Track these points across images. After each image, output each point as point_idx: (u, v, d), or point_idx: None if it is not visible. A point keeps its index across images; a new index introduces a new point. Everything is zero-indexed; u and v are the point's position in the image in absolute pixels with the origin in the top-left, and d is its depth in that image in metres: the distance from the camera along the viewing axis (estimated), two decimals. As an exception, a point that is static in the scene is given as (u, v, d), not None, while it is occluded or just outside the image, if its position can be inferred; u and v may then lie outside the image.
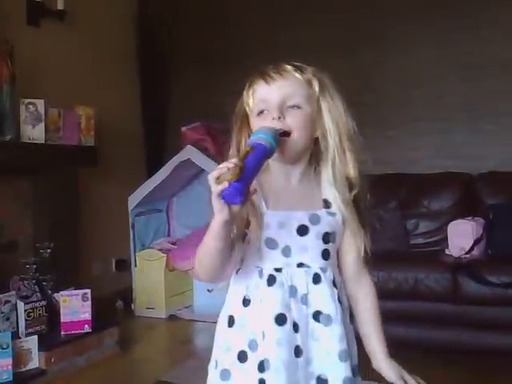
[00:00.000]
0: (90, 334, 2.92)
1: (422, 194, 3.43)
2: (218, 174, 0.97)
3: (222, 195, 0.97)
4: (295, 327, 1.14)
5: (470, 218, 3.08)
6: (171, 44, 4.44)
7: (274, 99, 1.13)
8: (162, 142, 4.47)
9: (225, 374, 1.18)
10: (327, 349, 1.14)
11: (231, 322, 1.19)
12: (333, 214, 1.17)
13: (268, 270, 1.15)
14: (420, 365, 2.92)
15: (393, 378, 1.25)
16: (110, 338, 3.04)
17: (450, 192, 3.38)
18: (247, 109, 1.20)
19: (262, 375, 1.12)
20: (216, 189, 0.96)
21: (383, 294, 3.03)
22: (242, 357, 1.16)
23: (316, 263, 1.16)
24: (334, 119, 1.17)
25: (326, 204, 1.18)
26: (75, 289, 2.98)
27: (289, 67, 1.16)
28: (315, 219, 1.16)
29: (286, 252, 1.15)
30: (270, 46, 4.12)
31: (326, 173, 1.18)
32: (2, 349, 2.46)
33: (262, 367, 1.13)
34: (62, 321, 2.87)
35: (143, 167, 4.38)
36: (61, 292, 2.93)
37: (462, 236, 2.97)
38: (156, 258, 3.82)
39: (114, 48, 4.12)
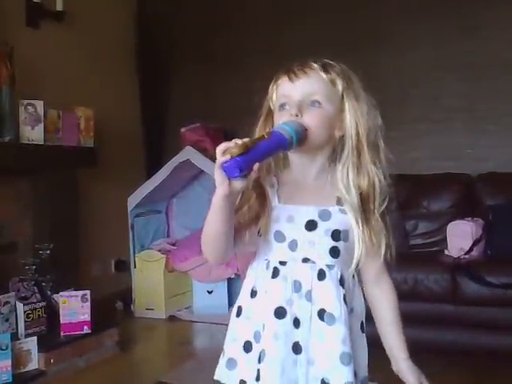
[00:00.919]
0: (90, 335, 2.92)
1: (422, 195, 3.43)
2: (226, 148, 0.99)
3: (223, 166, 0.99)
4: (296, 323, 1.13)
5: (469, 218, 3.08)
6: (170, 44, 4.44)
7: (294, 96, 1.14)
8: (161, 143, 4.47)
9: (231, 363, 1.20)
10: (330, 350, 1.12)
11: (239, 312, 1.21)
12: (345, 212, 1.15)
13: (273, 262, 1.17)
14: (419, 365, 2.92)
15: (411, 381, 1.26)
16: (109, 339, 3.04)
17: (449, 193, 3.38)
18: (271, 104, 1.21)
19: (259, 366, 1.14)
20: (219, 159, 0.99)
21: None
22: (248, 347, 1.18)
23: (322, 260, 1.14)
24: (354, 121, 1.17)
25: (339, 201, 1.16)
26: (75, 290, 2.98)
27: (315, 65, 1.16)
28: (325, 215, 1.15)
29: (293, 246, 1.15)
30: (270, 45, 4.12)
31: (340, 172, 1.17)
32: (2, 350, 2.46)
33: (260, 358, 1.14)
34: (61, 322, 2.87)
35: (142, 168, 4.38)
36: (60, 293, 2.93)
37: (462, 237, 2.97)
38: (155, 259, 3.82)
39: (113, 49, 4.12)
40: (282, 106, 1.17)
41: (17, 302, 2.77)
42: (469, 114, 3.66)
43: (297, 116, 1.12)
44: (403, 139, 3.82)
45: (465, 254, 2.91)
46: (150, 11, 4.44)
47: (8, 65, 2.94)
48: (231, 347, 1.21)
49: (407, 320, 3.13)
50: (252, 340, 1.17)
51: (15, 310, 2.76)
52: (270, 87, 1.22)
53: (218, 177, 1.00)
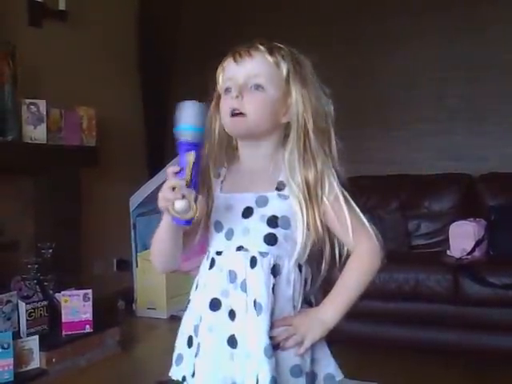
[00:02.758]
0: (91, 334, 2.92)
1: (424, 195, 3.43)
2: (174, 187, 0.97)
3: (175, 220, 1.00)
4: (232, 315, 1.09)
5: (471, 219, 3.08)
6: (173, 44, 4.44)
7: (238, 78, 1.11)
8: (163, 142, 4.47)
9: (178, 359, 1.18)
10: (258, 342, 1.05)
11: (186, 306, 1.20)
12: (285, 197, 1.10)
13: (212, 253, 1.14)
14: (421, 365, 2.94)
15: (288, 320, 1.10)
16: (111, 338, 3.04)
17: (451, 193, 3.38)
18: (218, 87, 1.19)
19: (195, 360, 1.12)
20: (170, 212, 0.98)
21: (384, 294, 3.06)
22: (190, 341, 1.15)
23: (256, 247, 1.09)
24: (301, 106, 1.12)
25: (279, 186, 1.11)
26: (76, 289, 2.99)
27: (261, 47, 1.14)
28: (262, 201, 1.11)
29: (229, 235, 1.12)
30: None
31: (286, 158, 1.12)
32: (3, 349, 2.46)
33: (197, 353, 1.12)
34: (63, 321, 2.87)
35: (145, 167, 4.38)
36: (62, 292, 2.93)
37: (464, 237, 2.97)
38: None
39: (115, 48, 4.12)
40: (227, 90, 1.14)
41: (19, 301, 2.77)
42: (471, 115, 3.66)
43: (237, 98, 1.09)
44: (405, 139, 3.83)
45: (467, 254, 2.90)
46: (153, 11, 4.43)
47: (10, 64, 2.94)
48: (179, 342, 1.18)
49: (409, 320, 3.16)
50: (192, 334, 1.14)
51: (17, 309, 2.76)
52: (218, 71, 1.19)
53: (163, 205, 0.99)
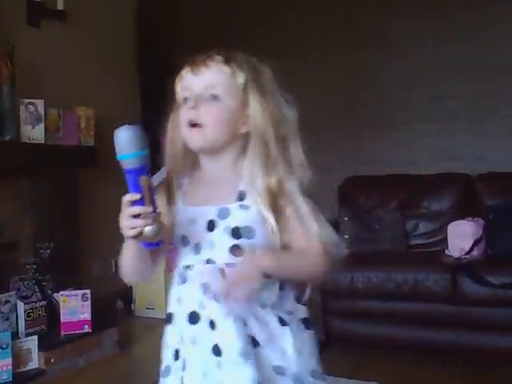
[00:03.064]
0: (90, 334, 2.93)
1: (422, 195, 3.43)
2: (143, 226, 0.98)
3: (144, 245, 1.01)
4: (212, 325, 1.09)
5: (469, 218, 3.08)
6: (171, 44, 4.44)
7: (195, 88, 1.12)
8: (161, 143, 4.47)
9: (166, 371, 1.18)
10: (233, 347, 1.07)
11: (168, 319, 1.20)
12: (246, 207, 1.10)
13: (182, 267, 1.15)
14: (419, 365, 2.94)
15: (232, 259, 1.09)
16: (109, 338, 3.04)
17: (449, 193, 3.38)
18: (177, 97, 1.19)
19: (183, 373, 1.13)
20: (139, 239, 0.99)
21: (383, 294, 3.06)
22: (176, 354, 1.16)
23: (222, 259, 1.09)
24: (259, 115, 1.11)
25: (240, 197, 1.11)
26: (75, 289, 2.99)
27: (217, 57, 1.13)
28: (224, 213, 1.10)
29: (197, 249, 1.12)
30: (271, 45, 4.11)
31: (246, 168, 1.12)
32: (2, 349, 2.46)
33: (184, 366, 1.13)
34: (61, 321, 2.87)
35: (143, 167, 4.38)
36: (61, 292, 2.93)
37: (462, 237, 2.97)
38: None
39: (114, 48, 4.12)
40: (185, 100, 1.14)
41: (17, 301, 2.77)
42: (470, 115, 3.67)
43: (193, 108, 1.10)
44: (404, 139, 3.83)
45: (465, 254, 2.90)
46: (151, 10, 4.43)
47: (9, 64, 2.93)
48: (165, 354, 1.19)
49: (407, 320, 3.16)
50: (178, 347, 1.16)
51: (16, 309, 2.76)
52: (176, 80, 1.18)
53: (131, 233, 1.00)
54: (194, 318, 1.11)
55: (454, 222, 3.07)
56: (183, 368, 1.13)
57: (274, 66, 1.18)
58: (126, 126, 1.03)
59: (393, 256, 3.11)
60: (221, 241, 1.10)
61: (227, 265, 1.09)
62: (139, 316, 3.81)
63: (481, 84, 3.62)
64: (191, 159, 1.20)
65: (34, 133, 3.08)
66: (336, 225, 3.26)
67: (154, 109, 4.44)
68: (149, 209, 0.98)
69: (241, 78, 1.12)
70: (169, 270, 1.23)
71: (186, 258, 1.14)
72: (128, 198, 0.99)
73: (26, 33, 3.35)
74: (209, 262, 1.11)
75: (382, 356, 2.93)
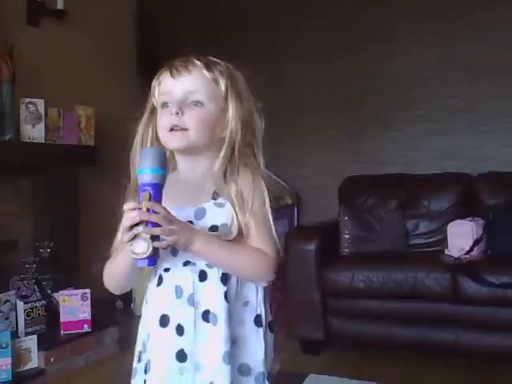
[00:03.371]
0: (90, 333, 2.93)
1: (422, 195, 3.43)
2: (131, 237, 0.99)
3: (138, 263, 1.01)
4: (179, 330, 1.11)
5: (469, 218, 3.07)
6: (171, 44, 4.44)
7: (176, 93, 1.12)
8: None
9: (133, 373, 1.21)
10: (214, 351, 1.08)
11: (140, 321, 1.22)
12: (221, 205, 1.12)
13: (159, 270, 1.16)
14: (419, 365, 2.94)
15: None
16: (109, 338, 3.04)
17: (449, 192, 3.38)
18: (154, 101, 1.20)
19: (145, 377, 1.15)
20: (133, 255, 1.00)
21: (383, 294, 3.06)
22: (140, 357, 1.19)
23: (202, 260, 1.10)
24: (235, 121, 1.15)
25: (215, 195, 1.13)
26: (75, 288, 2.98)
27: (198, 62, 1.14)
28: (200, 213, 1.12)
29: (174, 251, 1.12)
30: (271, 46, 4.12)
31: (217, 170, 1.14)
32: (2, 348, 2.46)
33: (146, 369, 1.15)
34: (61, 320, 2.87)
35: (143, 167, 4.38)
36: (60, 291, 2.93)
37: (462, 236, 2.97)
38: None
39: (114, 47, 4.12)
40: (164, 104, 1.15)
41: (17, 301, 2.77)
42: (470, 115, 3.67)
43: (177, 114, 1.11)
44: (404, 139, 3.83)
45: (465, 253, 2.90)
46: (151, 10, 4.43)
47: (8, 63, 2.93)
48: (135, 356, 1.22)
49: (407, 319, 3.15)
50: (142, 349, 1.18)
51: (15, 309, 2.76)
52: (153, 83, 1.20)
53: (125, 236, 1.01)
54: (164, 321, 1.12)
55: (454, 222, 3.07)
56: (145, 371, 1.15)
57: (246, 74, 1.20)
58: (156, 146, 1.14)
59: (393, 256, 3.11)
60: None
61: (208, 266, 1.11)
62: (139, 315, 3.78)
63: (481, 84, 3.62)
64: (171, 160, 1.21)
65: (34, 132, 3.08)
66: (336, 225, 3.26)
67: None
68: (140, 228, 0.99)
69: (223, 85, 1.15)
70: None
71: (164, 260, 1.13)
72: (130, 206, 1.01)
73: (26, 32, 3.35)
74: (186, 263, 1.12)
75: (382, 355, 2.93)
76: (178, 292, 1.11)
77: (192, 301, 1.10)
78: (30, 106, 3.07)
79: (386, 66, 3.87)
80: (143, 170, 1.01)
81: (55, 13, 3.51)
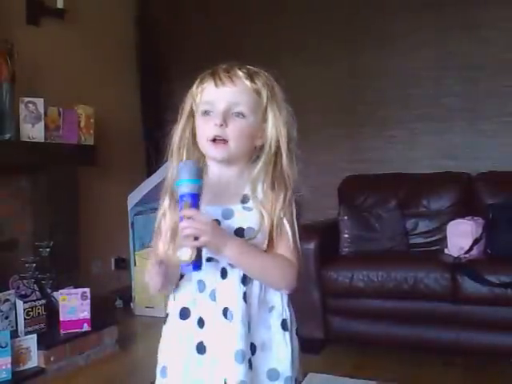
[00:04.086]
0: (90, 332, 2.92)
1: (422, 194, 3.43)
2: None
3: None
4: (200, 323, 1.14)
5: (469, 217, 3.08)
6: (171, 43, 4.44)
7: (219, 104, 1.14)
8: (161, 142, 4.46)
9: (163, 371, 1.22)
10: (228, 348, 1.10)
11: (166, 319, 1.24)
12: (249, 209, 1.14)
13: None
14: (419, 364, 2.94)
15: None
16: (109, 337, 3.04)
17: (449, 192, 3.38)
18: (193, 104, 1.21)
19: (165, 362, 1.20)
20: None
21: (383, 293, 3.06)
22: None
23: (225, 259, 1.13)
24: (275, 131, 1.18)
25: (244, 199, 1.16)
26: (74, 287, 2.98)
27: (240, 73, 1.16)
28: (228, 214, 1.14)
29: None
30: (270, 47, 4.12)
31: (254, 175, 1.17)
32: (1, 347, 2.46)
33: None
34: (61, 319, 2.87)
35: (143, 166, 4.38)
36: (60, 291, 2.93)
37: (462, 236, 2.97)
38: (155, 257, 3.81)
39: (113, 47, 4.12)
40: (205, 113, 1.16)
41: (17, 300, 2.77)
42: (468, 114, 3.67)
43: (221, 126, 1.13)
44: (403, 138, 3.83)
45: (465, 253, 2.90)
46: (151, 10, 4.43)
47: (8, 62, 2.93)
48: (162, 355, 1.23)
49: (407, 319, 3.15)
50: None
51: (15, 308, 2.76)
52: (194, 87, 1.21)
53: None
54: (184, 313, 1.16)
55: (453, 221, 3.07)
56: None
57: (283, 84, 1.23)
58: (192, 160, 1.18)
59: (392, 255, 3.11)
60: None
61: (231, 265, 1.13)
62: (139, 315, 3.81)
63: (480, 83, 3.62)
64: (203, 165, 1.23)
65: (34, 131, 3.08)
66: (336, 224, 3.26)
67: (153, 108, 4.46)
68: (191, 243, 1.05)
69: (264, 96, 1.17)
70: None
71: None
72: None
73: (26, 31, 3.35)
74: (209, 259, 1.13)
75: (382, 355, 2.93)
76: (201, 286, 1.14)
77: (214, 296, 1.13)
78: (30, 105, 3.07)
79: (384, 65, 3.87)
80: (182, 181, 1.07)
81: (55, 12, 3.51)
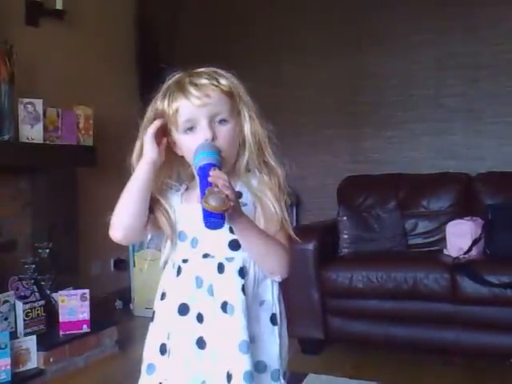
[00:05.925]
0: (89, 333, 2.92)
1: (421, 194, 3.43)
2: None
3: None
4: (200, 318, 1.15)
5: (468, 218, 3.08)
6: (171, 44, 4.44)
7: (202, 121, 1.15)
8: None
9: (149, 368, 1.22)
10: (230, 340, 1.12)
11: (153, 317, 1.25)
12: (243, 204, 1.15)
13: (177, 262, 1.21)
14: (419, 364, 2.94)
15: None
16: (108, 338, 3.04)
17: (448, 192, 3.38)
18: (168, 122, 1.21)
19: (167, 365, 1.18)
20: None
21: (382, 294, 3.06)
22: (163, 349, 1.20)
23: (222, 253, 1.15)
24: (251, 126, 1.20)
25: (237, 195, 1.15)
26: (74, 289, 2.99)
27: (205, 81, 1.16)
28: None
29: (194, 243, 1.18)
30: (270, 47, 4.12)
31: (241, 166, 1.21)
32: (1, 349, 2.46)
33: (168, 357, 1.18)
34: (60, 321, 2.87)
35: (142, 167, 4.37)
36: (59, 292, 2.93)
37: (461, 236, 2.97)
38: (155, 258, 3.77)
39: (113, 48, 4.12)
40: (190, 129, 1.17)
41: (16, 301, 2.77)
42: (468, 114, 3.67)
43: (213, 140, 1.14)
44: (402, 139, 3.83)
45: (464, 253, 2.91)
46: (151, 11, 4.43)
47: (7, 63, 2.93)
48: (148, 352, 1.23)
49: (406, 319, 3.15)
50: (166, 341, 1.19)
51: (14, 309, 2.76)
52: (162, 102, 1.24)
53: (149, 146, 1.20)
54: (183, 309, 1.17)
55: (452, 222, 3.07)
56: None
57: (242, 83, 1.23)
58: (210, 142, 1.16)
59: (392, 255, 3.12)
60: (219, 236, 1.14)
61: (227, 259, 1.15)
62: (138, 315, 3.81)
63: (479, 83, 3.62)
64: (183, 167, 1.27)
65: (33, 132, 3.08)
66: (335, 225, 3.26)
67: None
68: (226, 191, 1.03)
69: (237, 97, 1.19)
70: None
71: (183, 252, 1.20)
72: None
73: (25, 32, 3.35)
74: (205, 256, 1.16)
75: (382, 355, 2.93)
76: (199, 282, 1.16)
77: (212, 291, 1.15)
78: (29, 106, 3.07)
79: (384, 65, 3.87)
80: (202, 153, 1.10)
81: (54, 13, 3.51)
